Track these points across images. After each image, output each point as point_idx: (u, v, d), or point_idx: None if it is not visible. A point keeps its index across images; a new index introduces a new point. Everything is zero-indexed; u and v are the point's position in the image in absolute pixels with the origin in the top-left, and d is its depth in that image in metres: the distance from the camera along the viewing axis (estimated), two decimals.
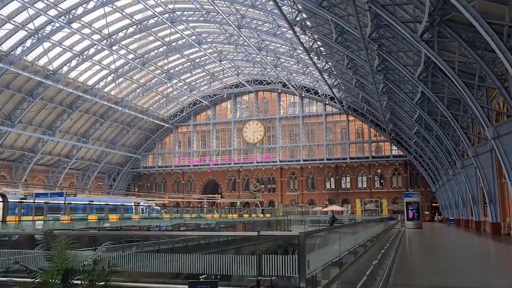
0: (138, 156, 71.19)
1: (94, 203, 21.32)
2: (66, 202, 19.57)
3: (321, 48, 40.53)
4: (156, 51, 51.84)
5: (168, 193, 62.63)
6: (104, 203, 22.23)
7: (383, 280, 6.87)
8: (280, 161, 66.00)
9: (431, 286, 7.85)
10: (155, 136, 71.70)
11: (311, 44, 38.34)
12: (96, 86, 52.89)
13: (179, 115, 70.49)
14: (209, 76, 62.99)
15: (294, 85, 62.56)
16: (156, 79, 57.95)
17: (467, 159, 30.11)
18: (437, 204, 61.23)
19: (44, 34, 41.82)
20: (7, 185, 47.87)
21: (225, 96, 68.11)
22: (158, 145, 72.66)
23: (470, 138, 27.77)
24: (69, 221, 15.39)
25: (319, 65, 44.07)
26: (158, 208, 35.66)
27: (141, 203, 34.47)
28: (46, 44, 44.01)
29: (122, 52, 49.36)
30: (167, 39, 50.15)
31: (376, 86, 34.59)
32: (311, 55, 39.90)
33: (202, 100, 67.70)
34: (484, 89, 22.57)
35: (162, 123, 68.52)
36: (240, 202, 55.64)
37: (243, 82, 64.28)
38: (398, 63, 26.61)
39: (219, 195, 66.92)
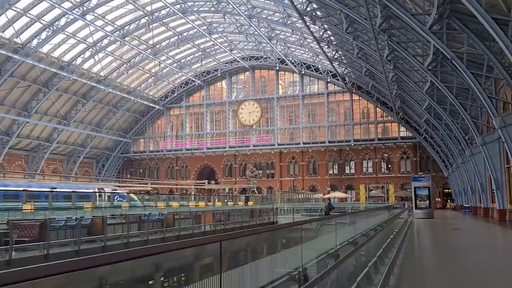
0: (128, 140, 66.67)
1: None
2: None
3: (318, 13, 35.58)
4: (137, 22, 46.81)
5: (151, 179, 58.19)
6: (29, 188, 17.72)
7: None
8: (278, 144, 61.07)
9: None
10: (145, 119, 67.04)
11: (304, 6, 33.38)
12: (73, 62, 48.13)
13: (171, 95, 65.65)
14: (200, 52, 57.88)
15: (293, 61, 57.34)
16: (141, 55, 53.02)
17: (490, 134, 25.32)
18: (450, 190, 56.06)
19: (5, 0, 37.07)
20: None
21: (219, 75, 63.16)
22: (149, 129, 67.98)
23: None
24: None
25: (316, 35, 39.02)
26: (134, 196, 31.06)
27: (106, 189, 29.95)
28: (10, 13, 39.31)
29: (99, 23, 44.43)
30: (148, 8, 45.19)
31: (380, 53, 29.96)
32: (305, 19, 34.75)
33: (194, 80, 62.75)
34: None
35: (152, 105, 63.79)
36: (229, 189, 50.99)
37: (238, 59, 59.12)
38: (407, 19, 21.70)
39: (215, 181, 62.44)
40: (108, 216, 13.50)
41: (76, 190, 18.60)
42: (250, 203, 27.43)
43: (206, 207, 21.46)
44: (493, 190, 26.24)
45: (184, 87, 64.79)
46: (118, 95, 57.40)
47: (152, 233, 15.37)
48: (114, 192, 24.76)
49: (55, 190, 16.65)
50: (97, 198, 26.02)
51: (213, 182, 61.00)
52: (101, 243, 12.27)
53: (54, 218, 11.99)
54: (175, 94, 65.42)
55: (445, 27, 19.65)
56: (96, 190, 29.53)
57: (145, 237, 14.17)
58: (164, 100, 65.57)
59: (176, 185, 58.41)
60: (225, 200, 28.67)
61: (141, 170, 68.77)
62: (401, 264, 8.58)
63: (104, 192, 24.70)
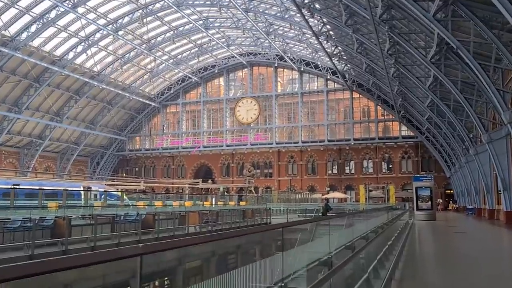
0: (123, 138, 65.24)
1: None
2: None
3: (316, 5, 34.20)
4: (130, 15, 45.38)
5: (147, 178, 56.83)
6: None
7: None
8: (277, 143, 59.61)
9: None
10: (141, 116, 65.58)
11: None
12: (65, 57, 46.74)
13: (167, 92, 64.24)
14: (196, 48, 56.44)
15: (292, 58, 55.86)
16: (136, 50, 51.61)
17: (496, 130, 23.84)
18: (452, 191, 54.56)
19: None
20: None
21: (216, 71, 61.69)
22: (145, 126, 66.52)
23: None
24: None
25: (315, 29, 37.62)
26: (120, 193, 29.66)
27: (93, 188, 28.60)
28: None
29: (91, 16, 43.04)
30: (142, 1, 43.78)
31: (380, 47, 28.56)
32: (303, 12, 33.31)
33: (191, 76, 61.31)
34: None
35: (148, 102, 62.36)
36: (224, 188, 49.64)
37: (235, 55, 57.70)
38: (410, 14, 20.29)
39: (212, 180, 60.99)
40: (75, 217, 12.11)
41: (43, 187, 17.10)
42: (242, 203, 26.06)
43: (192, 207, 20.06)
44: (499, 190, 24.79)
45: (180, 84, 63.42)
46: (113, 92, 56.00)
47: (127, 235, 13.97)
48: (90, 190, 23.30)
49: (17, 187, 15.25)
50: (82, 197, 24.66)
51: (210, 181, 59.57)
52: (62, 247, 10.89)
53: (9, 219, 10.63)
54: (172, 91, 64.06)
55: (450, 15, 18.29)
56: (81, 189, 28.18)
57: (116, 240, 12.78)
58: (160, 97, 64.16)
59: (173, 183, 57.03)
60: (215, 200, 27.28)
61: (137, 169, 67.33)
62: (400, 278, 7.15)
63: (88, 190, 23.25)
